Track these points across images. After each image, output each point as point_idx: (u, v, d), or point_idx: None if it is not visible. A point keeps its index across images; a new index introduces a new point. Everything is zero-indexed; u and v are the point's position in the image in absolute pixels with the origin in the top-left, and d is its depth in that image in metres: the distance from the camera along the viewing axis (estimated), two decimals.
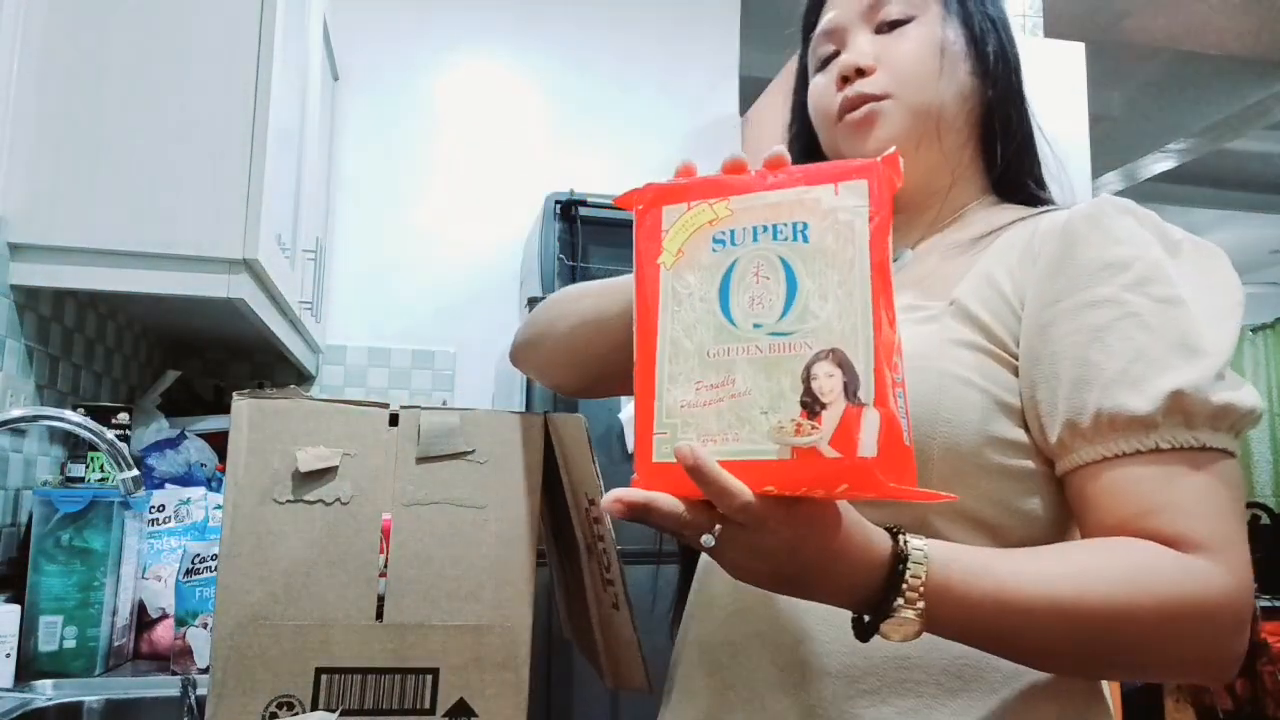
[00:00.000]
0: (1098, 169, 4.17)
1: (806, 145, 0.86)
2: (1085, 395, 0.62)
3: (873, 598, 0.56)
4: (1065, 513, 0.67)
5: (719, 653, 0.72)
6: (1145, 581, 0.57)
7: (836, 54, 0.81)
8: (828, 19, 0.82)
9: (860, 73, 0.78)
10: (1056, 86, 2.26)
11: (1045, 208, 0.78)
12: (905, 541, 0.56)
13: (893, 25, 0.79)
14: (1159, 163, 4.29)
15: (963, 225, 0.79)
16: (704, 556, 0.76)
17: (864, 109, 0.77)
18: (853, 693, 0.65)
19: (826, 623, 0.66)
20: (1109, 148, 4.18)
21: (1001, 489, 0.66)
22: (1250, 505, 5.28)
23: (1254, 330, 6.24)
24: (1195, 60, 3.67)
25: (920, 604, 0.55)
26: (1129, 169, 4.34)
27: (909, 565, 0.55)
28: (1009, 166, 0.81)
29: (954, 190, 0.80)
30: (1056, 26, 2.57)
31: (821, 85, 0.82)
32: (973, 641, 0.59)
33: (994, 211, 0.79)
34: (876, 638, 0.57)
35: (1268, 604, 4.38)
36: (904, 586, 0.55)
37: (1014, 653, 0.60)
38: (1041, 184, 0.83)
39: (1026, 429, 0.67)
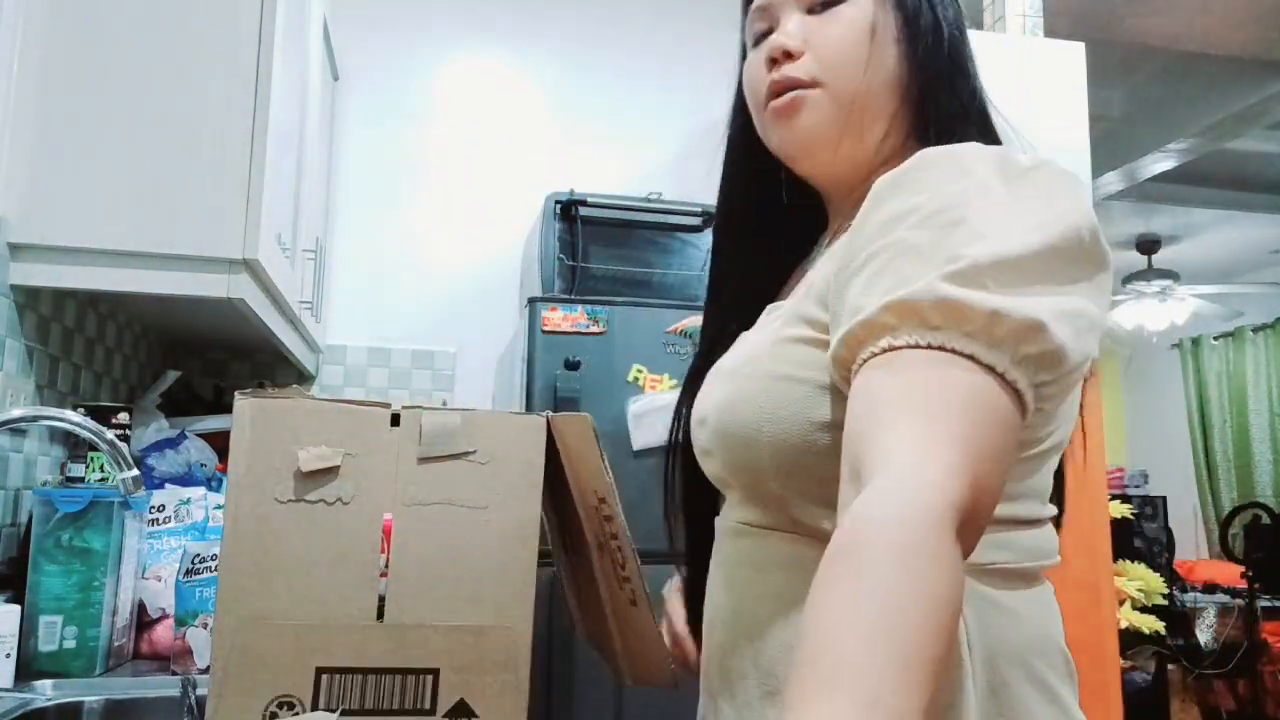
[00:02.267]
0: (1098, 169, 4.16)
1: (745, 123, 0.83)
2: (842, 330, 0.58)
3: None
4: None
5: (710, 661, 0.74)
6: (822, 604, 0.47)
7: (770, 31, 0.78)
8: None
9: (789, 55, 0.75)
10: (1056, 86, 2.26)
11: None
12: None
13: (825, 5, 0.76)
14: (1159, 163, 4.28)
15: None
16: (712, 562, 0.77)
17: (788, 96, 0.75)
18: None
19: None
20: (1109, 148, 4.17)
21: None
22: (1250, 505, 5.27)
23: (1254, 330, 6.24)
24: (1195, 60, 3.67)
25: None
26: (1129, 169, 4.34)
27: None
28: (937, 137, 0.73)
29: (876, 173, 0.71)
30: (1056, 26, 2.57)
31: (753, 64, 0.79)
32: None
33: None
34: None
35: (1268, 604, 4.38)
36: None
37: None
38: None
39: None
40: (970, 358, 0.52)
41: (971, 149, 0.63)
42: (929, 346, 0.53)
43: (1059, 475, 0.76)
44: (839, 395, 0.63)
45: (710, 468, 0.75)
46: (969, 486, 0.48)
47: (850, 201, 0.75)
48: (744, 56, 0.84)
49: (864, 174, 0.74)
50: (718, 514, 0.78)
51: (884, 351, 0.54)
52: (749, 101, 0.81)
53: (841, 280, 0.62)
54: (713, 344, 0.81)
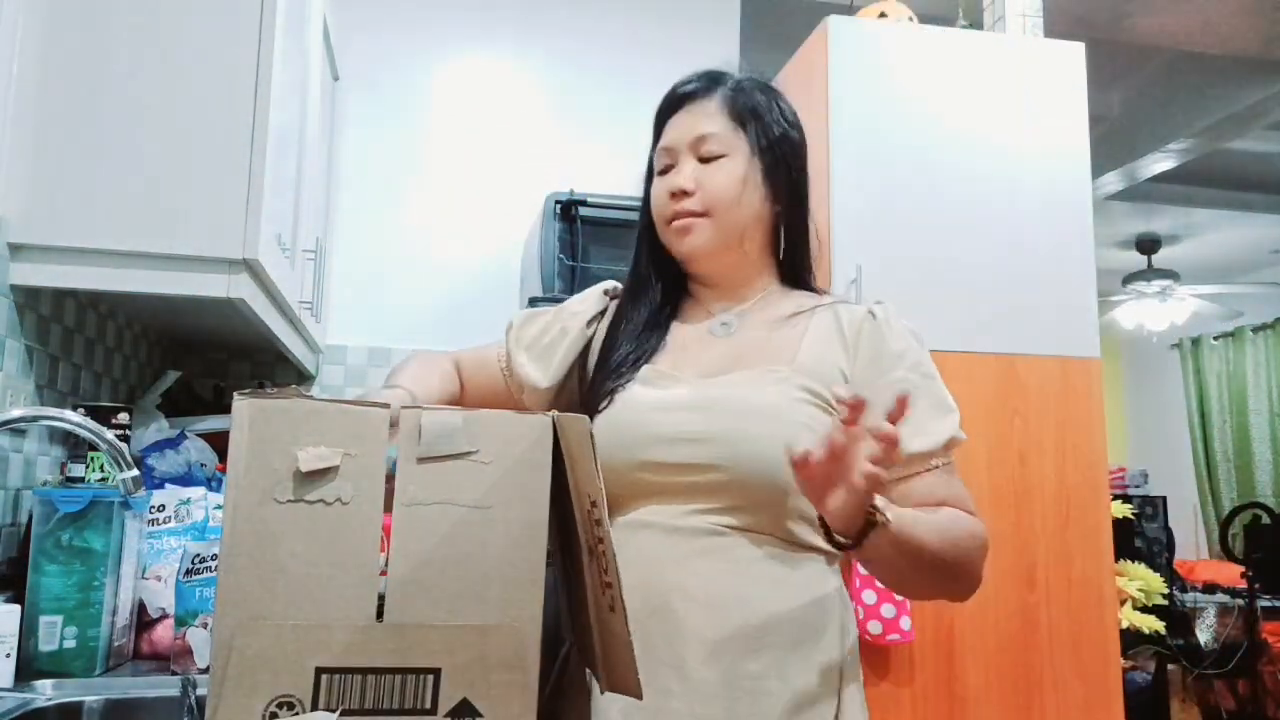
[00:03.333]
0: (1098, 169, 4.17)
1: (649, 223, 1.12)
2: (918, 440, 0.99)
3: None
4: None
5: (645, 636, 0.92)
6: (967, 525, 0.97)
7: (670, 167, 1.08)
8: (666, 139, 1.10)
9: (685, 193, 1.05)
10: (1056, 86, 2.26)
11: (829, 297, 1.12)
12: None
13: (710, 159, 1.06)
14: (1159, 163, 4.29)
15: (766, 305, 1.09)
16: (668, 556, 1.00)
17: (684, 221, 1.06)
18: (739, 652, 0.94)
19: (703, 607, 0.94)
20: (1109, 148, 4.17)
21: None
22: (1250, 505, 5.28)
23: (1254, 330, 6.24)
24: (1195, 60, 3.67)
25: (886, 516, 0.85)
26: (1129, 169, 4.34)
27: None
28: (792, 262, 1.12)
29: (753, 279, 1.11)
30: (1056, 26, 2.57)
31: (658, 191, 1.09)
32: (901, 552, 0.87)
33: (788, 295, 1.11)
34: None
35: (1268, 604, 4.38)
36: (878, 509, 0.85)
37: (917, 560, 0.90)
38: (811, 273, 1.13)
39: None
40: (953, 467, 1.03)
41: (903, 324, 1.06)
42: (948, 469, 1.01)
43: None
44: None
45: (709, 478, 0.96)
46: None
47: (731, 288, 1.11)
48: (650, 174, 1.13)
49: (741, 272, 1.10)
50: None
51: (933, 468, 1.00)
52: (654, 216, 1.11)
53: (866, 380, 1.02)
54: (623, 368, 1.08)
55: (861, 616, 1.91)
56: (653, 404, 1.00)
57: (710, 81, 1.09)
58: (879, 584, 1.76)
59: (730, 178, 1.05)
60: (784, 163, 1.08)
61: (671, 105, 1.11)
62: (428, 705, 0.73)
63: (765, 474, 0.95)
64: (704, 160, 1.06)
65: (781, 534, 0.97)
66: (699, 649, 0.92)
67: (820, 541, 0.94)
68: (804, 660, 0.94)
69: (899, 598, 1.91)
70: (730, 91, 1.08)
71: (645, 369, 1.05)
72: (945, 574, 0.93)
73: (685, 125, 1.08)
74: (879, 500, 0.83)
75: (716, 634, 0.93)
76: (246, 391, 0.75)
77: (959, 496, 0.98)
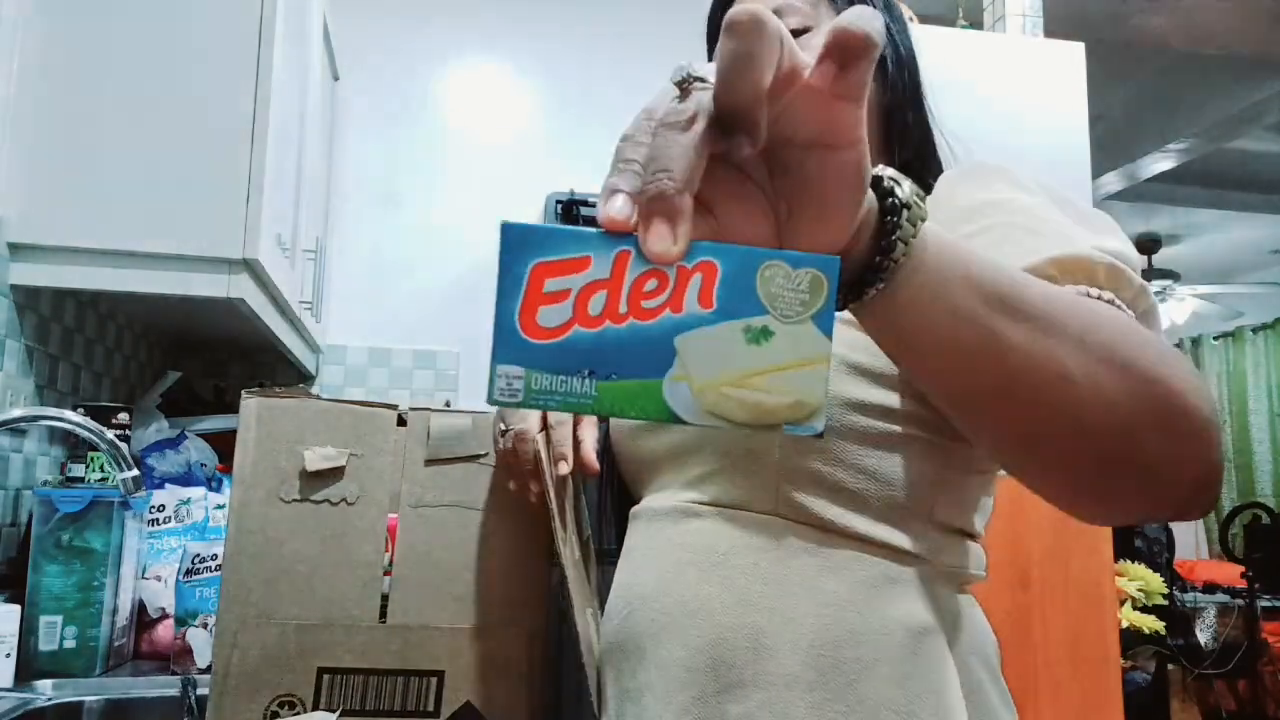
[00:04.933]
0: (1098, 169, 4.17)
1: None
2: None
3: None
4: (930, 478, 0.67)
5: (615, 657, 0.70)
6: (1128, 323, 0.51)
7: None
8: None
9: None
10: (1056, 86, 2.26)
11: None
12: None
13: (796, 34, 0.78)
14: (1159, 163, 4.29)
15: None
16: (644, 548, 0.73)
17: None
18: (718, 687, 0.63)
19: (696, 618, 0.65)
20: (1109, 148, 4.17)
21: (860, 454, 0.66)
22: (1250, 505, 5.28)
23: (1254, 330, 6.25)
24: (1195, 60, 3.67)
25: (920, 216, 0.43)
26: (1129, 169, 4.34)
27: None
28: (907, 167, 0.78)
29: None
30: (1056, 26, 2.57)
31: None
32: (950, 310, 0.45)
33: None
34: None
35: (1268, 604, 4.38)
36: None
37: (989, 341, 0.46)
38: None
39: (887, 389, 0.66)
40: (1132, 316, 0.56)
41: (1009, 169, 0.70)
42: (1098, 299, 0.55)
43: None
44: (872, 376, 0.66)
45: (676, 443, 0.73)
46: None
47: None
48: None
49: None
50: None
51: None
52: None
53: None
54: None
55: None
56: None
57: None
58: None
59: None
60: (889, 32, 0.80)
61: None
62: (430, 707, 0.73)
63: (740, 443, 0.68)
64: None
65: (768, 508, 0.67)
66: (660, 680, 0.66)
67: (870, 526, 0.64)
68: (838, 710, 0.61)
69: None
70: None
71: None
72: (1091, 391, 0.46)
73: None
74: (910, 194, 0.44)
75: (683, 659, 0.65)
76: (255, 390, 0.75)
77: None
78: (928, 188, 0.78)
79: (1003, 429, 0.50)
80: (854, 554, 0.65)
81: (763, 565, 0.66)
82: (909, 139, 0.82)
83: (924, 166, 0.83)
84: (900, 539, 0.66)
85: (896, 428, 0.67)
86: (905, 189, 0.43)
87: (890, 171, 0.44)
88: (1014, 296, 0.46)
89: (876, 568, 0.65)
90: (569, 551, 0.74)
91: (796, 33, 0.78)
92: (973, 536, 0.72)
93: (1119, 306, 0.55)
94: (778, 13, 0.78)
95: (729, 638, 0.64)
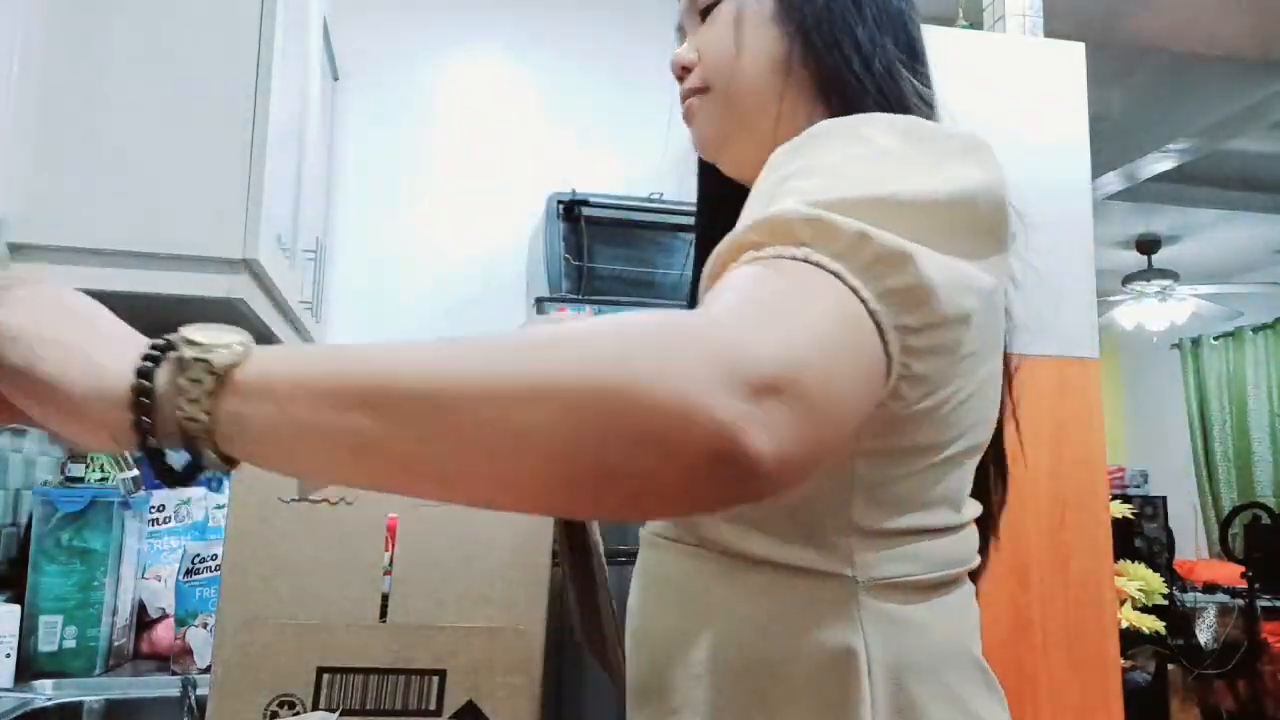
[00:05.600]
0: (1098, 169, 4.16)
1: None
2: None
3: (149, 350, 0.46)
4: (838, 485, 0.61)
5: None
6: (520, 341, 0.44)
7: None
8: (678, 18, 0.81)
9: (685, 70, 0.77)
10: (1056, 86, 2.26)
11: None
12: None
13: (705, 11, 0.76)
14: (1159, 163, 4.29)
15: None
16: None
17: (686, 104, 0.77)
18: (663, 711, 0.64)
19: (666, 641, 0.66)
20: (1109, 148, 4.17)
21: None
22: (1250, 505, 5.27)
23: (1254, 330, 6.25)
24: (1195, 60, 3.67)
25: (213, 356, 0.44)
26: (1129, 169, 4.34)
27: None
28: (855, 109, 0.68)
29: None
30: (1056, 26, 2.57)
31: (673, 63, 0.80)
32: (283, 437, 0.44)
33: None
34: None
35: (1268, 604, 4.38)
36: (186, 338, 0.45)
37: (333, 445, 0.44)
38: (903, 108, 0.70)
39: None
40: (835, 275, 0.48)
41: (875, 118, 0.61)
42: (793, 259, 0.49)
43: (986, 467, 0.72)
44: None
45: None
46: (799, 365, 0.42)
47: None
48: None
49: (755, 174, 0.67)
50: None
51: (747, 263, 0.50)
52: None
53: None
54: None
55: None
56: None
57: None
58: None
59: (724, 25, 0.74)
60: None
61: None
62: (432, 707, 0.73)
63: None
64: (704, 18, 0.77)
65: (707, 543, 0.65)
66: (629, 697, 0.69)
67: (778, 549, 0.62)
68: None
69: None
70: None
71: None
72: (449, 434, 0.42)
73: None
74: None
75: (634, 679, 0.69)
76: None
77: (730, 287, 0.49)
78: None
79: (438, 495, 0.46)
80: (768, 580, 0.62)
81: (693, 596, 0.65)
82: (841, 78, 0.70)
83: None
84: (811, 558, 0.61)
85: None
86: (162, 380, 0.45)
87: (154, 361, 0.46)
88: (377, 391, 0.42)
89: (791, 593, 0.62)
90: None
91: (710, 6, 0.76)
92: (926, 533, 0.64)
93: (815, 263, 0.48)
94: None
95: (666, 664, 0.64)
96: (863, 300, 0.48)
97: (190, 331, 0.47)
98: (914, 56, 0.75)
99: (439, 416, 0.42)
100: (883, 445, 0.60)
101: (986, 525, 0.72)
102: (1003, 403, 0.70)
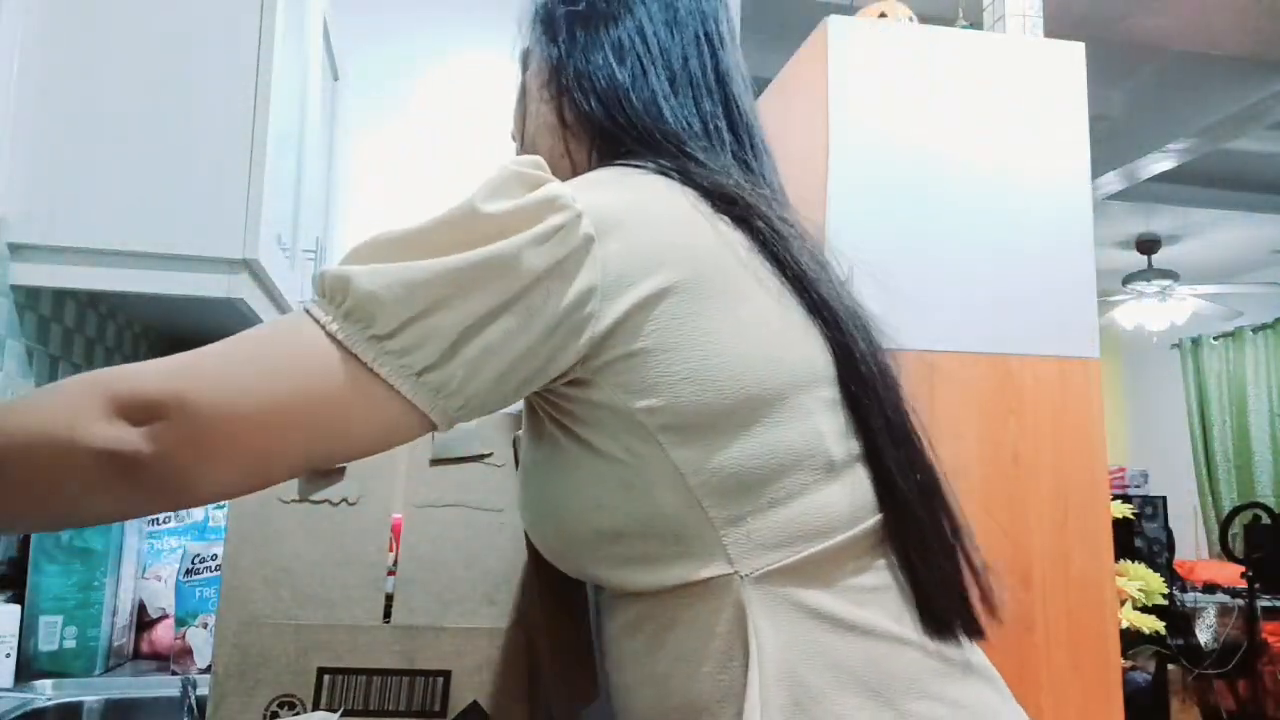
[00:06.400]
0: (1098, 169, 4.17)
1: None
2: None
3: None
4: (672, 484, 0.63)
5: None
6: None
7: None
8: None
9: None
10: (1056, 86, 2.26)
11: None
12: None
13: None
14: (1159, 163, 4.29)
15: None
16: None
17: None
18: None
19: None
20: (1109, 148, 4.17)
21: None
22: (1250, 505, 5.27)
23: (1254, 330, 6.25)
24: (1195, 60, 3.67)
25: None
26: (1129, 169, 4.34)
27: None
28: (636, 149, 0.74)
29: None
30: (1056, 26, 2.57)
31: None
32: None
33: None
34: None
35: (1268, 604, 4.38)
36: None
37: None
38: (663, 140, 0.74)
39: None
40: (307, 313, 0.58)
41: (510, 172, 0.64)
42: (306, 313, 0.59)
43: (856, 397, 0.69)
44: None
45: None
46: (181, 388, 0.54)
47: None
48: None
49: None
50: None
51: None
52: None
53: None
54: None
55: None
56: None
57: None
58: None
59: (521, 101, 0.86)
60: (551, 24, 0.81)
61: None
62: (436, 707, 0.73)
63: (537, 538, 0.71)
64: None
65: (614, 590, 0.69)
66: None
67: (663, 573, 0.64)
68: None
69: None
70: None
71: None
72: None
73: None
74: None
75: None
76: None
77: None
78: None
79: None
80: (667, 610, 0.64)
81: (619, 644, 0.69)
82: (591, 124, 0.77)
83: (655, 148, 0.74)
84: (691, 569, 0.63)
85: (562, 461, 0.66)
86: None
87: None
88: None
89: (686, 612, 0.64)
90: None
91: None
92: (779, 501, 0.64)
93: (306, 311, 0.59)
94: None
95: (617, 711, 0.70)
96: (323, 326, 0.57)
97: None
98: (695, 75, 0.77)
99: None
100: (671, 428, 0.62)
101: (885, 480, 0.69)
102: (854, 353, 0.70)
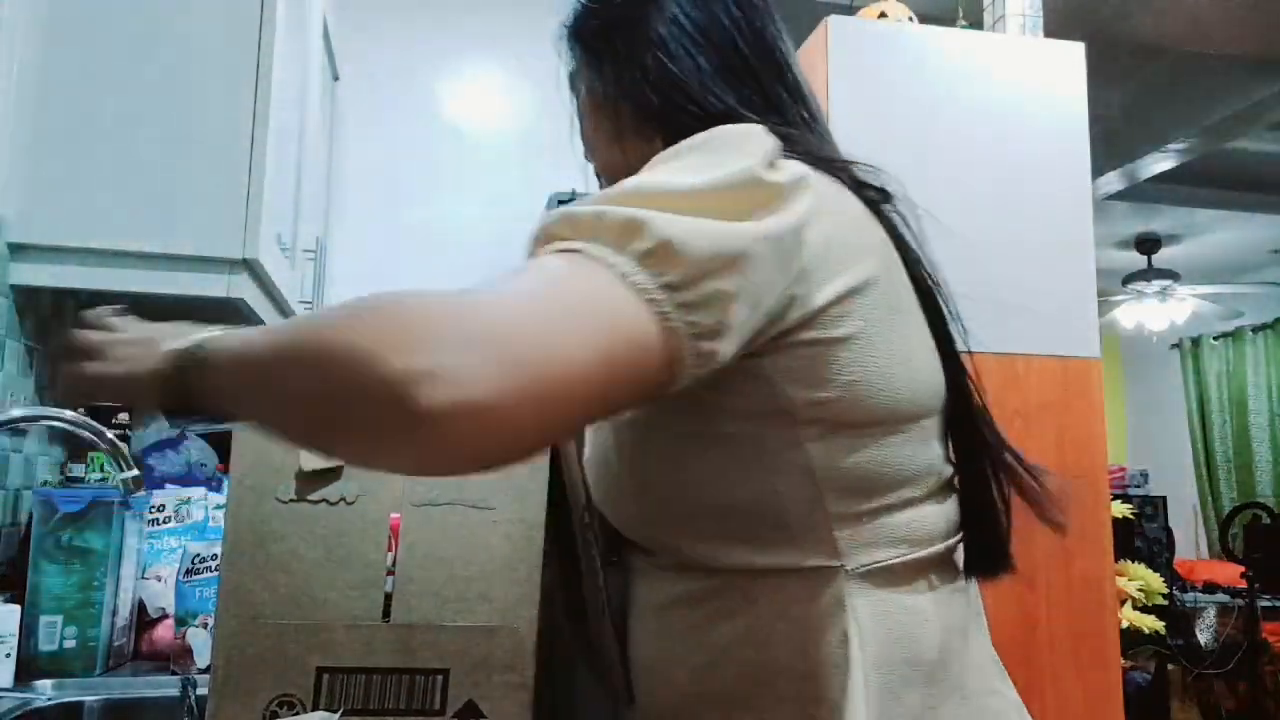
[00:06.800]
0: (1098, 169, 4.17)
1: None
2: None
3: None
4: (802, 474, 0.64)
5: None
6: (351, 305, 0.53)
7: None
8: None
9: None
10: (1056, 86, 2.26)
11: None
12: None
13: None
14: (1159, 163, 4.29)
15: None
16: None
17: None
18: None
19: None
20: (1109, 148, 4.17)
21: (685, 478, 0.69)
22: (1250, 505, 5.27)
23: (1254, 330, 6.25)
24: (1195, 60, 3.67)
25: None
26: (1129, 169, 4.34)
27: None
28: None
29: None
30: (1056, 26, 2.57)
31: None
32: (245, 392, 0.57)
33: None
34: None
35: (1268, 604, 4.38)
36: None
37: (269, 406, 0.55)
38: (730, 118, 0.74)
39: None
40: (578, 251, 0.54)
41: (688, 144, 0.65)
42: (557, 252, 0.55)
43: (964, 425, 0.75)
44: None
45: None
46: (502, 328, 0.49)
47: None
48: None
49: None
50: None
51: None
52: None
53: None
54: None
55: None
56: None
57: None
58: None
59: (584, 125, 0.88)
60: (606, 35, 0.83)
61: None
62: (436, 706, 0.73)
63: (617, 512, 0.73)
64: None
65: (692, 563, 0.68)
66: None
67: (757, 556, 0.65)
68: None
69: None
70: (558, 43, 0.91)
71: None
72: (300, 382, 0.52)
73: None
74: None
75: (642, 700, 0.72)
76: None
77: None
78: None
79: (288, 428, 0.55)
80: (755, 590, 0.65)
81: (681, 621, 0.69)
82: (658, 122, 0.78)
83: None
84: (794, 558, 0.64)
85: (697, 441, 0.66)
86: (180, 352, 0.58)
87: (185, 344, 0.58)
88: (255, 368, 0.55)
89: (779, 595, 0.65)
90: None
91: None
92: (901, 507, 0.67)
93: (570, 249, 0.54)
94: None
95: (667, 691, 0.70)
96: (611, 266, 0.52)
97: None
98: (741, 55, 0.78)
99: (260, 378, 0.55)
100: (821, 421, 0.64)
101: (987, 513, 0.74)
102: (965, 382, 0.75)
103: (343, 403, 0.49)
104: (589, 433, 0.75)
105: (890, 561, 0.66)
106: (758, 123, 0.69)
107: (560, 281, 0.53)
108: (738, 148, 0.61)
